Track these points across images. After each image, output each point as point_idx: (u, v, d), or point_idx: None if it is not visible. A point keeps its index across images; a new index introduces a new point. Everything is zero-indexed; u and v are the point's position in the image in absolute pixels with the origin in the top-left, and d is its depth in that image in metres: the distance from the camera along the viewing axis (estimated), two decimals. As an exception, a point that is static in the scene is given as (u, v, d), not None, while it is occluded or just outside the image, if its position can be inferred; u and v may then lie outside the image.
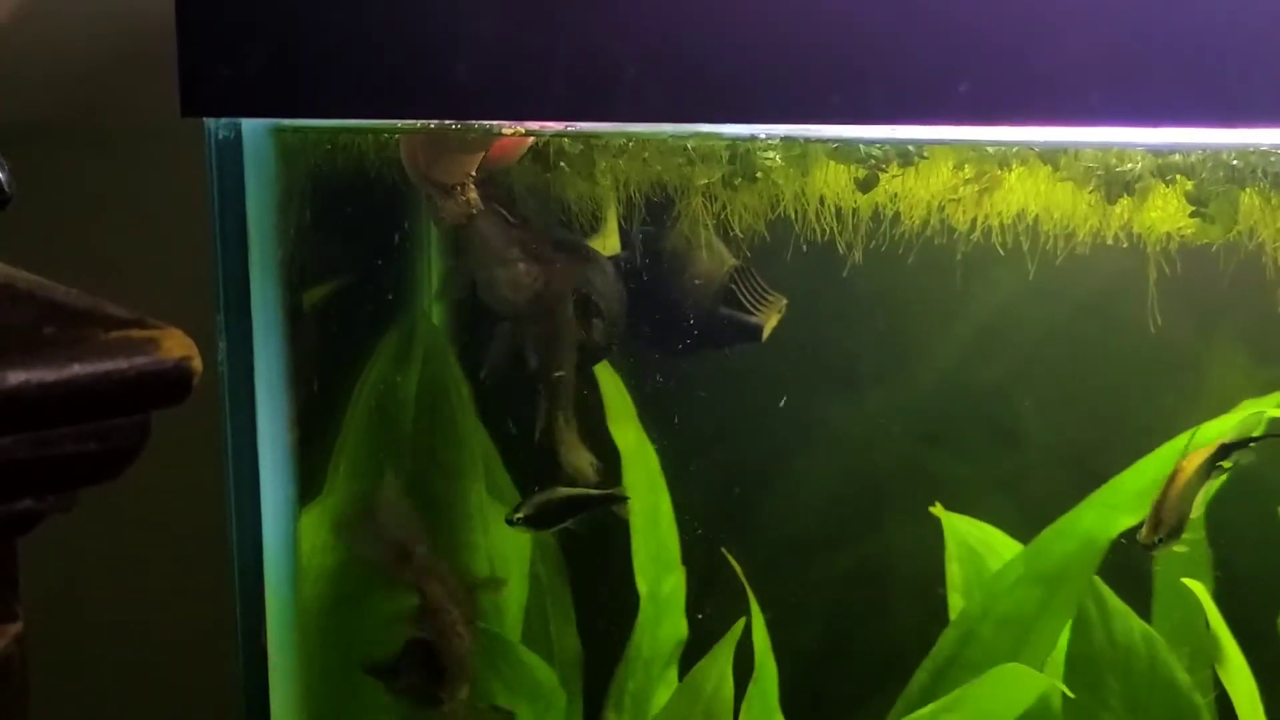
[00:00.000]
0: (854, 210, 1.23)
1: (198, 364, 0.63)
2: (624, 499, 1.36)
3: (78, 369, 0.59)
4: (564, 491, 1.34)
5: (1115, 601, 1.28)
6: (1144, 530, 1.22)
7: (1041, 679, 1.26)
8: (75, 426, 0.61)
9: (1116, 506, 1.27)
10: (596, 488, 1.36)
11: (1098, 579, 1.28)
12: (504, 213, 1.28)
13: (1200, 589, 1.25)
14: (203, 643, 1.38)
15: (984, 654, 1.30)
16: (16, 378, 0.58)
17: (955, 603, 1.35)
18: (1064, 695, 1.28)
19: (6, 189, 0.85)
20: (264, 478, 1.21)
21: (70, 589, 1.48)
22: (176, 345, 0.62)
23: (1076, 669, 1.28)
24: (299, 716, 1.32)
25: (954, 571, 1.36)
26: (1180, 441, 1.25)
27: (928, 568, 1.36)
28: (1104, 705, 1.26)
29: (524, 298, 1.31)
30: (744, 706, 1.35)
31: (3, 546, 0.65)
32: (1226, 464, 1.23)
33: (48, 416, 0.59)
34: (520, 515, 1.32)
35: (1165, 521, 1.22)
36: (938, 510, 1.35)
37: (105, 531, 1.40)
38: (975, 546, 1.35)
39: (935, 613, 1.35)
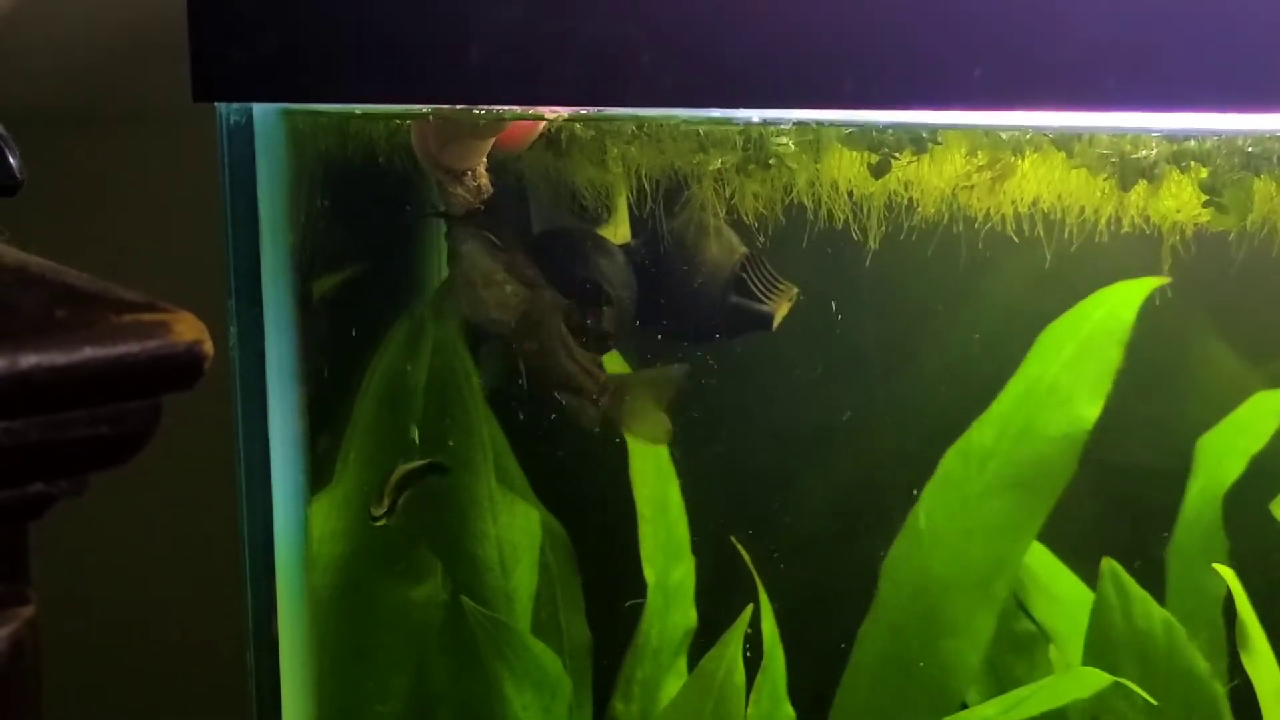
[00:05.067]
0: (867, 197, 1.23)
1: (209, 347, 0.62)
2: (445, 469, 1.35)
3: (89, 352, 0.59)
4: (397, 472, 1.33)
5: (1134, 587, 1.27)
6: None
7: (1105, 677, 1.25)
8: (87, 410, 0.60)
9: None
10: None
11: (1116, 564, 1.27)
12: (489, 234, 1.28)
13: (1231, 575, 1.24)
14: (213, 630, 1.38)
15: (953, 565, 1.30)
16: (28, 360, 0.57)
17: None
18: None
19: (18, 174, 0.85)
20: (275, 465, 1.21)
21: (80, 575, 1.48)
22: (188, 329, 0.62)
23: (1094, 655, 1.28)
24: (310, 704, 1.32)
25: None
26: None
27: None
28: (1120, 692, 1.25)
29: (511, 317, 1.31)
30: (753, 696, 1.35)
31: (14, 531, 0.65)
32: None
33: (59, 400, 0.59)
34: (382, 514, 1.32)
35: None
36: None
37: (116, 517, 1.40)
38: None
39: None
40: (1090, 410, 1.28)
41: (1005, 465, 1.30)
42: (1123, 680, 1.24)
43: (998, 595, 1.32)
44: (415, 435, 1.36)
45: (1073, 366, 1.29)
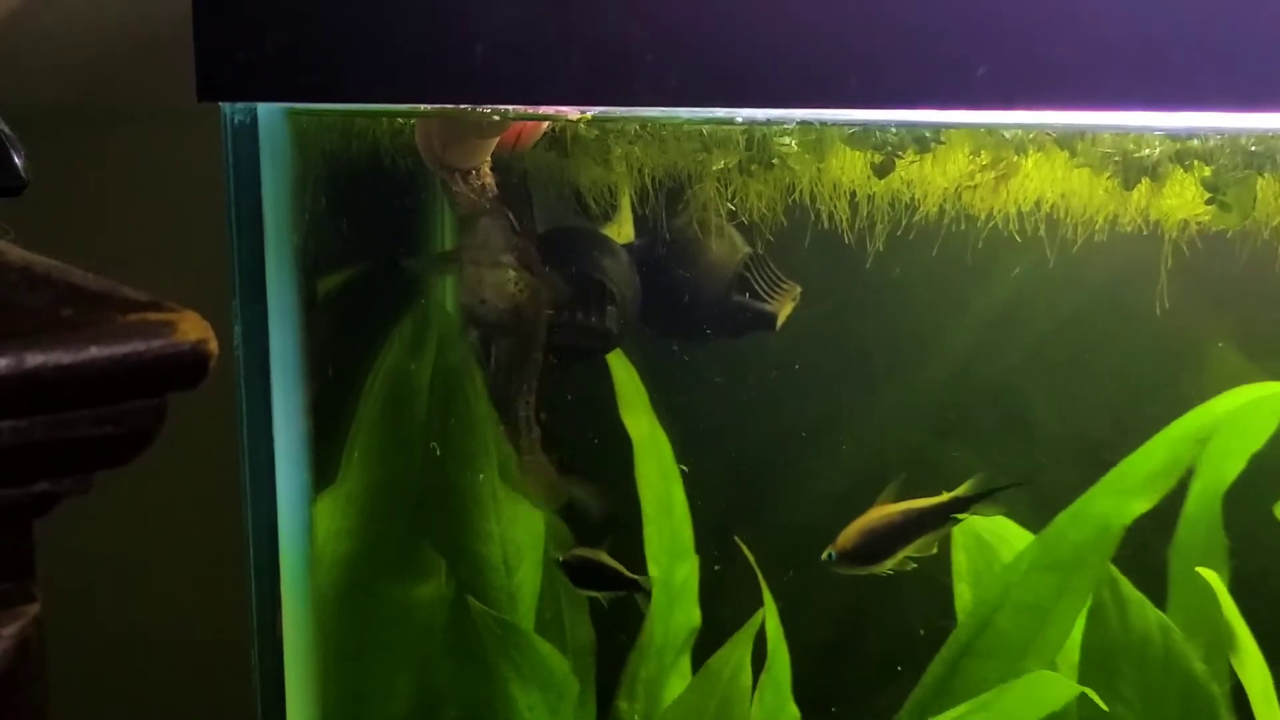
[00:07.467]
0: (869, 197, 1.23)
1: (214, 347, 0.63)
2: (647, 590, 1.38)
3: (95, 351, 0.59)
4: (605, 559, 1.37)
5: (1130, 590, 1.27)
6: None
7: (1072, 686, 1.25)
8: (92, 409, 0.61)
9: (1128, 491, 1.26)
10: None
11: (1113, 568, 1.27)
12: (510, 217, 1.28)
13: (1214, 578, 1.25)
14: (218, 628, 1.38)
15: (1000, 642, 1.30)
16: (34, 360, 0.58)
17: (961, 592, 1.35)
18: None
19: (23, 174, 0.85)
20: (279, 463, 1.22)
21: (86, 573, 1.49)
22: (193, 328, 0.62)
23: (1091, 659, 1.28)
24: (314, 702, 1.33)
25: (960, 560, 1.36)
26: (1188, 423, 1.25)
27: (935, 557, 1.36)
28: (1119, 695, 1.26)
29: (504, 306, 1.30)
30: (757, 696, 1.35)
31: (19, 529, 0.66)
32: (961, 516, 1.28)
33: (65, 399, 0.59)
34: (561, 560, 1.36)
35: (841, 545, 1.27)
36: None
37: (121, 516, 1.41)
38: (984, 536, 1.35)
39: (941, 601, 1.35)
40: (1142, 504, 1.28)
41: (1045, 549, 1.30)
42: (1087, 690, 1.24)
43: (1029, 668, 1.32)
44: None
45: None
